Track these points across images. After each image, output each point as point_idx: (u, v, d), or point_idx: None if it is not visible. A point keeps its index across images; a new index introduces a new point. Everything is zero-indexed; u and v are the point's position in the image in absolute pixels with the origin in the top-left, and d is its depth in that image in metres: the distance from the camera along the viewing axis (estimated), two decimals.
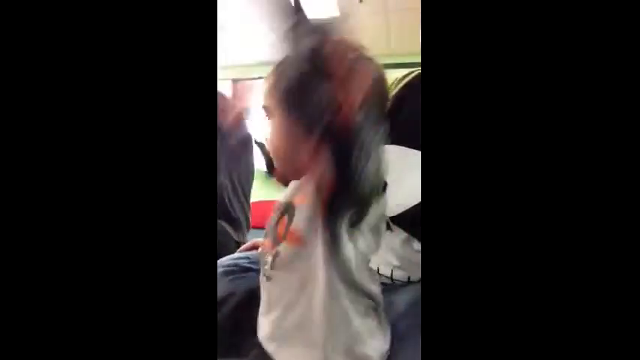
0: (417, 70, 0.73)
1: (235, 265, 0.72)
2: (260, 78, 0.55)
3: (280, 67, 0.51)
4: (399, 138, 0.66)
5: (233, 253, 0.79)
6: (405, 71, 0.73)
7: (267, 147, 0.54)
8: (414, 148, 0.66)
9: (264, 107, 0.53)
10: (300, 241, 0.49)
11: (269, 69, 0.53)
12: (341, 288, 0.48)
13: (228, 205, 1.13)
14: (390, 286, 0.68)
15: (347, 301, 0.49)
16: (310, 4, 2.66)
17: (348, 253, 0.47)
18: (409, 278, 0.70)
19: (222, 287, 0.73)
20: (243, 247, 0.84)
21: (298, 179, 0.53)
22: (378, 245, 0.53)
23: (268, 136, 0.53)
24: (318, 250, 0.47)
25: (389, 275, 0.69)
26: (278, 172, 0.57)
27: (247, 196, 1.24)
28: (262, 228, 0.58)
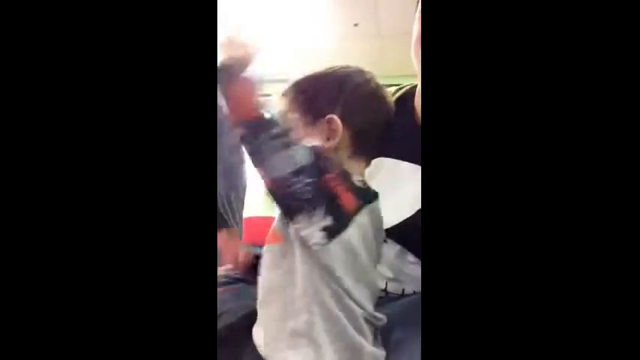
0: (407, 86, 0.76)
1: (225, 275, 0.72)
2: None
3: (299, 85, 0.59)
4: (391, 151, 0.68)
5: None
6: (394, 88, 0.76)
7: None
8: (407, 161, 0.69)
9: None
10: (280, 239, 0.53)
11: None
12: (324, 291, 0.50)
13: (224, 215, 1.13)
14: (384, 299, 0.68)
15: (333, 304, 0.50)
16: (307, 29, 2.70)
17: (325, 258, 0.50)
18: (403, 291, 0.70)
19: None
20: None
21: None
22: (376, 256, 0.56)
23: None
24: (296, 249, 0.51)
25: (383, 288, 0.70)
26: None
27: (241, 210, 1.25)
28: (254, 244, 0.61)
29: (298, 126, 0.57)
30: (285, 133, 0.49)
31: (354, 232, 0.52)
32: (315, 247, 0.49)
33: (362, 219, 0.53)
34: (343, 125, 0.54)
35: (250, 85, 0.50)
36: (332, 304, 0.50)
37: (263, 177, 0.50)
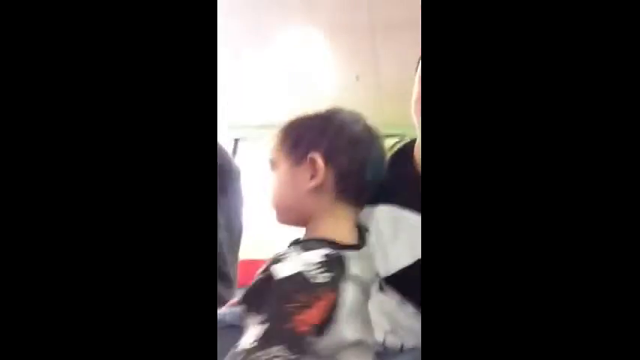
0: (405, 139, 0.78)
1: (221, 320, 0.70)
2: None
3: (287, 127, 0.59)
4: (392, 200, 0.68)
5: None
6: (394, 140, 0.78)
7: (271, 198, 0.58)
8: (407, 209, 0.68)
9: (270, 160, 0.59)
10: None
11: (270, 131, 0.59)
12: None
13: (221, 259, 1.11)
14: (382, 355, 0.65)
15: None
16: (311, 82, 2.82)
17: None
18: (402, 347, 0.68)
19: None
20: (230, 302, 0.82)
21: (303, 227, 0.56)
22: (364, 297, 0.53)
23: (272, 187, 0.58)
24: None
25: (381, 342, 0.67)
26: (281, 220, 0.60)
27: (237, 252, 1.23)
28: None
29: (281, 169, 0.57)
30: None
31: (346, 320, 0.48)
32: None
33: (347, 300, 0.48)
34: (327, 165, 0.53)
35: None
36: None
37: None
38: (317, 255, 0.48)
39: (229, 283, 1.17)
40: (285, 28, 2.40)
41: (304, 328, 0.44)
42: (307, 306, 0.45)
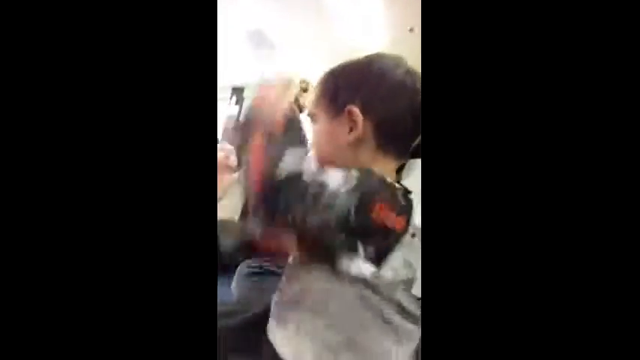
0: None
1: (260, 267, 0.73)
2: None
3: (324, 80, 0.56)
4: None
5: None
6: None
7: (312, 149, 0.57)
8: None
9: (310, 115, 0.57)
10: None
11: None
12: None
13: None
14: None
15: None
16: (361, 34, 2.70)
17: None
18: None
19: (246, 287, 0.74)
20: None
21: None
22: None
23: (312, 140, 0.57)
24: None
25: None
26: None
27: None
28: None
29: (320, 122, 0.55)
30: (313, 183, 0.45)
31: (404, 252, 0.46)
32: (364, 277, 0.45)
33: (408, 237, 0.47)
34: (365, 115, 0.50)
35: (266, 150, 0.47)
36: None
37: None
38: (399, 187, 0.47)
39: None
40: None
41: (376, 216, 0.43)
42: (391, 208, 0.44)
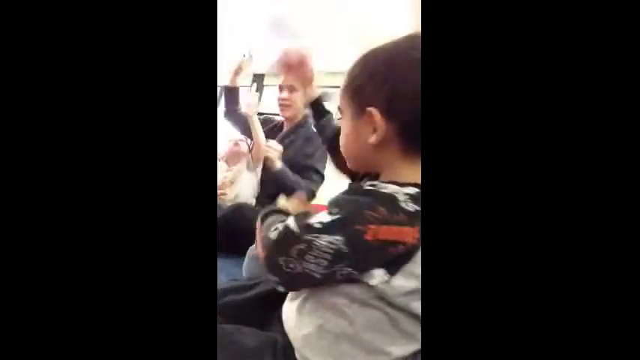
0: None
1: None
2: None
3: (351, 70, 0.53)
4: None
5: None
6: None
7: (341, 147, 0.55)
8: None
9: (338, 108, 0.56)
10: None
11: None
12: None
13: None
14: None
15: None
16: (385, 24, 2.61)
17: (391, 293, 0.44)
18: None
19: (256, 267, 0.78)
20: None
21: (370, 173, 0.55)
22: None
23: (341, 135, 0.55)
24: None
25: None
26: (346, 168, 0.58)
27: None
28: None
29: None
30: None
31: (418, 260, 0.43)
32: (380, 286, 0.43)
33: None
34: (388, 116, 0.47)
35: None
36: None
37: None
38: (406, 188, 0.44)
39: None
40: None
41: (371, 237, 0.41)
42: (385, 222, 0.41)
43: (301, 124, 1.62)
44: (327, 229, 0.42)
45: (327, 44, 2.98)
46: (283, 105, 1.60)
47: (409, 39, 0.49)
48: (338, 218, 0.43)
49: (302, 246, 0.43)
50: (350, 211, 0.43)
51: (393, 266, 0.42)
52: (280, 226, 0.47)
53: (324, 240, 0.42)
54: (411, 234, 0.42)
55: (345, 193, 0.47)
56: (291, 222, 0.46)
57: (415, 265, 0.42)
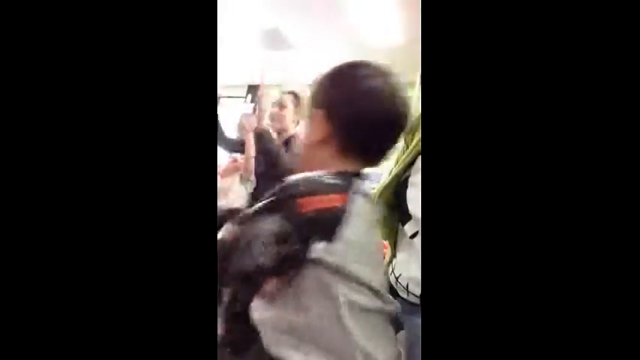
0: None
1: None
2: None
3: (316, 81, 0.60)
4: None
5: None
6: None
7: (301, 141, 0.62)
8: None
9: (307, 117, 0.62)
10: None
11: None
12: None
13: None
14: (404, 303, 0.66)
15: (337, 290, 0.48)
16: (376, 31, 2.63)
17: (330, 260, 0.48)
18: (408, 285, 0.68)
19: None
20: None
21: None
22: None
23: (305, 133, 0.61)
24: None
25: (404, 286, 0.68)
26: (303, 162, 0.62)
27: None
28: None
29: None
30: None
31: (353, 224, 0.48)
32: (316, 257, 0.46)
33: (355, 207, 0.49)
34: (330, 118, 0.54)
35: None
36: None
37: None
38: (330, 172, 0.52)
39: None
40: None
41: (304, 208, 0.46)
42: (312, 194, 0.47)
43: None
44: (261, 211, 0.47)
45: (321, 55, 3.02)
46: (274, 119, 1.65)
47: (361, 64, 0.57)
48: (269, 201, 0.48)
49: (247, 238, 0.47)
50: (279, 195, 0.48)
51: (330, 232, 0.47)
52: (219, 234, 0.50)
53: (264, 224, 0.46)
54: (340, 200, 0.48)
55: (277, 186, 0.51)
56: (224, 228, 0.49)
57: (349, 228, 0.47)
